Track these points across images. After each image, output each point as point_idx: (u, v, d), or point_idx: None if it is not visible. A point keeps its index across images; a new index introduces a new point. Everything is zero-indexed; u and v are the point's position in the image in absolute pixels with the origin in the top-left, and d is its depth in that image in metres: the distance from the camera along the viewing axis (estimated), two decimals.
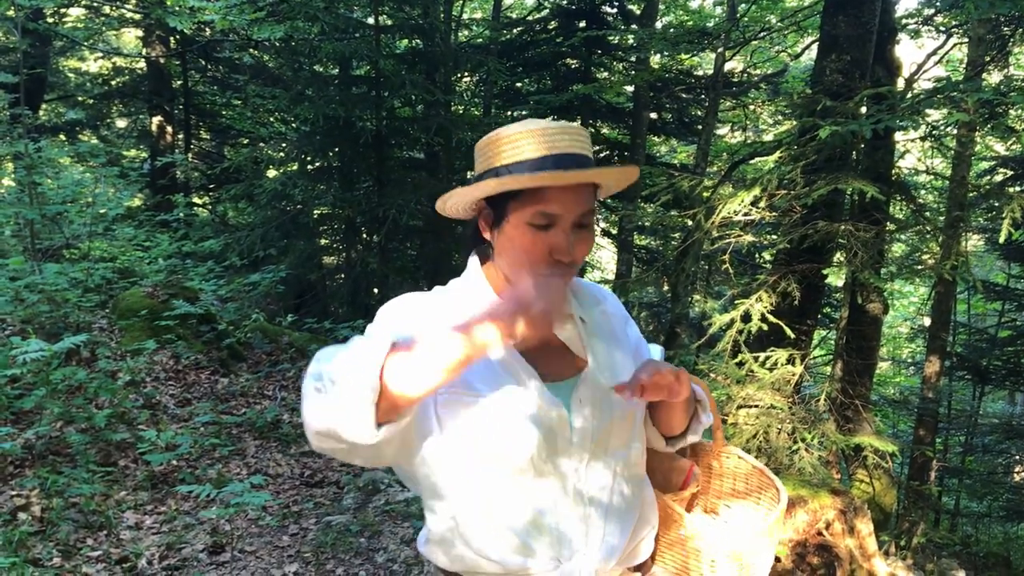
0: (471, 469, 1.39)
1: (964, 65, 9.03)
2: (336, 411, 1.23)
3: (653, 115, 12.29)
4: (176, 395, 5.89)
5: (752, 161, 7.80)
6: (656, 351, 1.68)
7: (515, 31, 12.55)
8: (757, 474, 1.68)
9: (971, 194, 7.60)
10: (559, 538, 1.41)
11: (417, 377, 1.24)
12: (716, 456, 1.72)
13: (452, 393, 1.39)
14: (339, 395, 1.23)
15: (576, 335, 1.53)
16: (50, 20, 11.28)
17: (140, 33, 12.58)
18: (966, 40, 8.45)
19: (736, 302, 5.09)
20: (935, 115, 5.15)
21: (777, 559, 3.84)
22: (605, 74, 12.42)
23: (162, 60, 11.77)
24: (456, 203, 1.50)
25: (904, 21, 7.56)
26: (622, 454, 1.49)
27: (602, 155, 12.04)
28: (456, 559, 1.43)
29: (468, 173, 10.67)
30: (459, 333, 1.23)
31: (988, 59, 7.56)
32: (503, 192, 1.41)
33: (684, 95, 12.35)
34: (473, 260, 1.55)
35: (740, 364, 4.95)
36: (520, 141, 1.40)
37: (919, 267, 5.35)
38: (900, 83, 6.38)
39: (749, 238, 5.48)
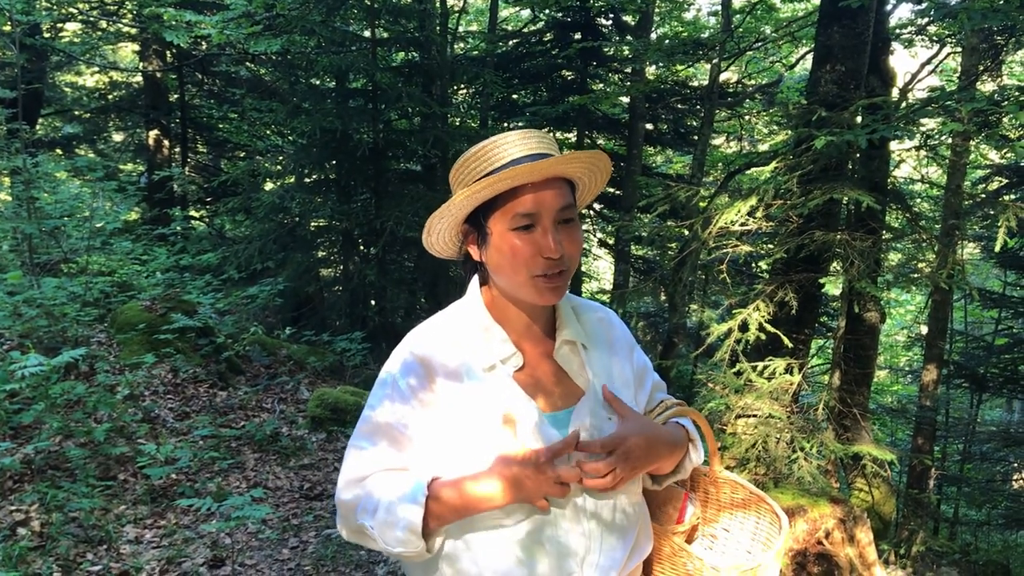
0: None
1: (958, 74, 9.07)
2: (385, 550, 1.43)
3: (649, 126, 12.32)
4: (175, 409, 5.89)
5: (748, 171, 7.82)
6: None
7: (511, 43, 12.59)
8: (755, 500, 1.68)
9: (966, 203, 7.62)
10: (561, 553, 1.41)
11: (462, 513, 1.39)
12: (713, 482, 1.71)
13: (452, 426, 1.43)
14: (386, 546, 1.41)
15: (578, 361, 1.55)
16: (47, 35, 11.31)
17: (137, 47, 12.61)
18: (960, 50, 8.49)
19: (733, 312, 5.09)
20: (930, 124, 5.18)
21: None
22: (601, 85, 12.45)
23: (159, 74, 11.78)
24: (440, 234, 1.53)
25: (898, 31, 7.58)
26: None
27: None
28: (460, 573, 1.43)
29: None
30: (505, 480, 1.35)
31: (982, 68, 7.60)
32: (477, 209, 1.44)
33: (680, 106, 12.40)
34: (473, 283, 1.57)
35: (738, 374, 4.95)
36: (476, 162, 1.43)
37: (915, 276, 5.35)
38: (894, 93, 6.41)
39: (746, 248, 5.48)
